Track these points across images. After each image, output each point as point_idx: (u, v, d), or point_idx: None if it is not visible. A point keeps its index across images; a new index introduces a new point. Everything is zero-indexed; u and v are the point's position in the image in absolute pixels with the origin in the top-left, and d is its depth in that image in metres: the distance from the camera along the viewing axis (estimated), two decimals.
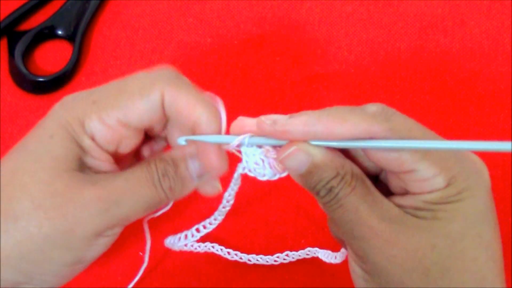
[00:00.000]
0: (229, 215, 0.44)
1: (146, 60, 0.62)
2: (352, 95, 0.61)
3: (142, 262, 0.54)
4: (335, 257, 0.49)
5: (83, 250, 0.35)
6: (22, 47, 0.61)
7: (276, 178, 0.37)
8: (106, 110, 0.36)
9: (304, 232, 0.55)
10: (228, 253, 0.52)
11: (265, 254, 0.53)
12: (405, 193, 0.35)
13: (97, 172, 0.37)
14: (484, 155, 0.59)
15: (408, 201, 0.34)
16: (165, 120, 0.38)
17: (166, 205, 0.41)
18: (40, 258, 0.34)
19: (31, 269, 0.34)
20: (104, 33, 0.64)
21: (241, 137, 0.36)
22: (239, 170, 0.38)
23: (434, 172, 0.33)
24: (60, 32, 0.63)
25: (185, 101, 0.36)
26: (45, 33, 0.63)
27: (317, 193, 0.35)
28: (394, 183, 0.36)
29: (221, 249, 0.52)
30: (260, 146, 0.36)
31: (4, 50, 0.62)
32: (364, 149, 0.35)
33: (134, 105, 0.36)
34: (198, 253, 0.53)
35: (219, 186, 0.39)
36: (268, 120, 0.35)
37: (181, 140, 0.38)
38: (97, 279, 0.53)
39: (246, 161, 0.37)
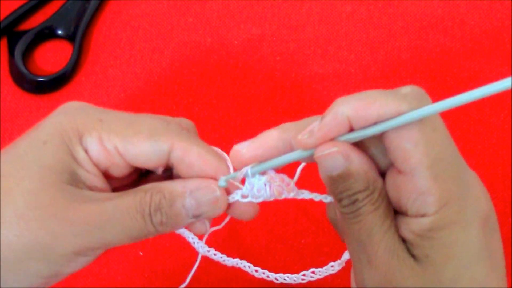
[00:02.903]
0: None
1: (146, 60, 0.62)
2: None
3: (142, 262, 0.54)
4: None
5: (61, 265, 0.34)
6: (22, 47, 0.61)
7: (271, 199, 0.37)
8: (109, 133, 0.35)
9: (304, 232, 0.55)
10: (256, 271, 0.51)
11: (265, 254, 0.53)
12: (398, 209, 0.34)
13: (88, 186, 0.36)
14: (484, 155, 0.59)
15: (402, 231, 0.34)
16: (163, 166, 0.38)
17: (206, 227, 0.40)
18: (17, 267, 0.33)
19: (7, 277, 0.33)
20: (104, 33, 0.64)
21: (244, 169, 0.36)
22: (236, 196, 0.37)
23: (429, 186, 0.32)
24: (60, 32, 0.63)
25: (196, 156, 0.36)
26: (45, 33, 0.63)
27: (340, 201, 0.34)
28: (392, 193, 0.35)
29: (249, 266, 0.52)
30: (263, 173, 0.36)
31: (4, 50, 0.62)
32: (382, 134, 0.33)
33: (139, 144, 0.35)
34: (197, 253, 0.53)
35: (208, 226, 0.38)
36: (305, 134, 0.34)
37: (222, 182, 0.37)
38: (97, 279, 0.53)
39: (249, 190, 0.37)
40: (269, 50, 0.63)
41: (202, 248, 0.49)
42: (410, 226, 0.33)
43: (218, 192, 0.36)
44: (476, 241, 0.33)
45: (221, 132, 0.59)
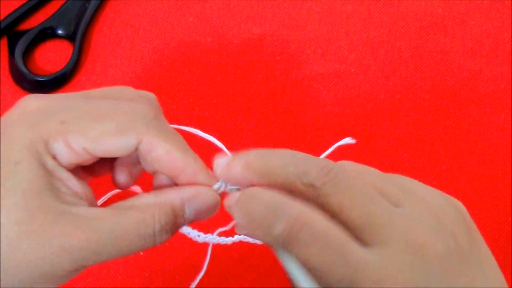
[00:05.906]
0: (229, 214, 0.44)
1: (146, 60, 0.62)
2: (352, 95, 0.61)
3: (142, 262, 0.54)
4: None
5: (57, 283, 0.34)
6: (22, 47, 0.61)
7: None
8: (74, 135, 0.34)
9: None
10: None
11: (265, 252, 0.53)
12: None
13: (70, 193, 0.34)
14: (484, 155, 0.59)
15: None
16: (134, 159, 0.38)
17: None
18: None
19: None
20: (104, 32, 0.64)
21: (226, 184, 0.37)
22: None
23: None
24: (60, 32, 0.63)
25: (163, 151, 0.36)
26: (45, 33, 0.63)
27: None
28: None
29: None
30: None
31: (4, 50, 0.62)
32: None
33: (106, 141, 0.35)
34: (197, 253, 0.53)
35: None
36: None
37: (217, 185, 0.37)
38: (97, 279, 0.53)
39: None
40: (269, 50, 0.63)
41: (199, 237, 0.49)
42: None
43: (218, 196, 0.37)
44: None
45: (221, 132, 0.59)
